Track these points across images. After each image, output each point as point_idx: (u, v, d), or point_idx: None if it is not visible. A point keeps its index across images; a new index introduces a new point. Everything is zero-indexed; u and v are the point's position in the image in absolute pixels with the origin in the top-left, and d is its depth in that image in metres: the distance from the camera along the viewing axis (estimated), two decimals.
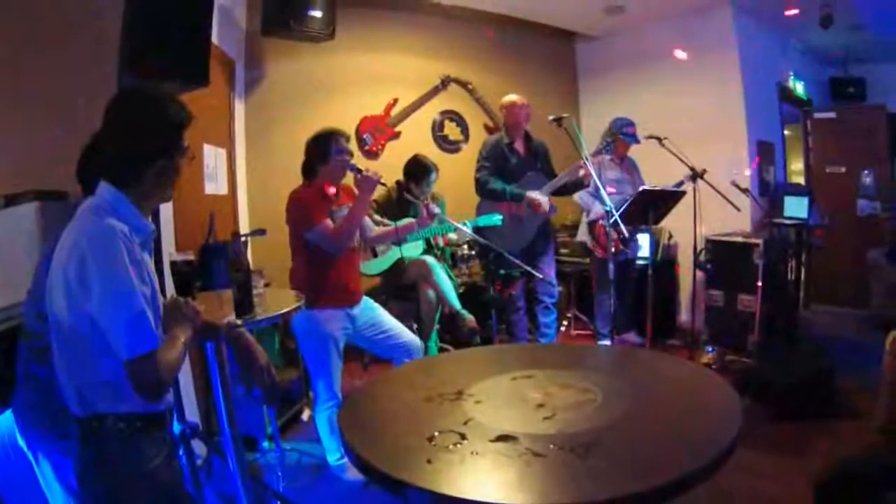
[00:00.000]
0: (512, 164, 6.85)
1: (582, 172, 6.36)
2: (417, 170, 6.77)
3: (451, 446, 2.22)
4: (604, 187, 6.04)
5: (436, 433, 2.33)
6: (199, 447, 4.43)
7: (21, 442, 2.91)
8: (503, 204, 6.70)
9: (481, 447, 2.20)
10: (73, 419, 2.27)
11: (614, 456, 2.14)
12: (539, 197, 6.67)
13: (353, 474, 4.84)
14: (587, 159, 6.02)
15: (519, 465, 2.08)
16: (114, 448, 2.22)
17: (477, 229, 6.22)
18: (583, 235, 7.68)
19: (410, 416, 2.60)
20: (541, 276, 6.35)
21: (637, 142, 7.31)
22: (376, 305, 5.08)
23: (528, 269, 5.59)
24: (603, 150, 6.91)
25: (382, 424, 2.59)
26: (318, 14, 6.79)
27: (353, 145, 7.35)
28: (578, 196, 7.40)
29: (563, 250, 8.64)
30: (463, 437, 2.28)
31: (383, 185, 4.63)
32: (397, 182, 6.82)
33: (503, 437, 2.25)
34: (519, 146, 6.98)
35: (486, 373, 3.01)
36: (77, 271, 2.10)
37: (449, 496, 1.92)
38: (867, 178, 9.87)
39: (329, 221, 4.59)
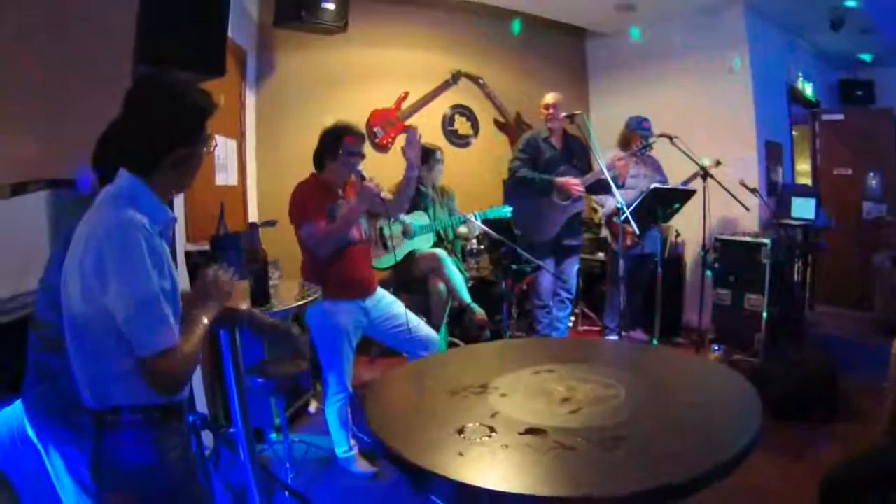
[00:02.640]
0: (546, 156, 6.88)
1: (615, 171, 6.35)
2: (423, 153, 6.76)
3: (480, 439, 2.25)
4: (618, 184, 6.05)
5: (465, 426, 2.35)
6: (206, 438, 4.43)
7: (31, 433, 2.88)
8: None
9: (511, 440, 2.23)
10: (86, 412, 2.23)
11: (642, 450, 2.19)
12: (569, 179, 6.66)
13: (361, 466, 4.89)
14: (602, 161, 6.05)
15: (550, 458, 2.11)
16: (130, 441, 2.17)
17: (493, 224, 6.21)
18: (604, 230, 7.71)
19: (437, 410, 2.63)
20: (551, 272, 6.37)
21: (651, 134, 7.30)
22: (393, 298, 5.09)
23: (540, 263, 5.60)
24: (639, 150, 6.90)
25: (410, 417, 2.60)
26: (331, 6, 6.78)
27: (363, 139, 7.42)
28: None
29: None
30: (492, 430, 2.31)
31: (382, 200, 4.61)
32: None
33: (532, 431, 2.29)
34: (556, 141, 7.00)
35: (507, 367, 3.05)
36: (94, 263, 2.06)
37: (486, 489, 1.95)
38: (873, 181, 9.88)
39: (321, 222, 4.57)
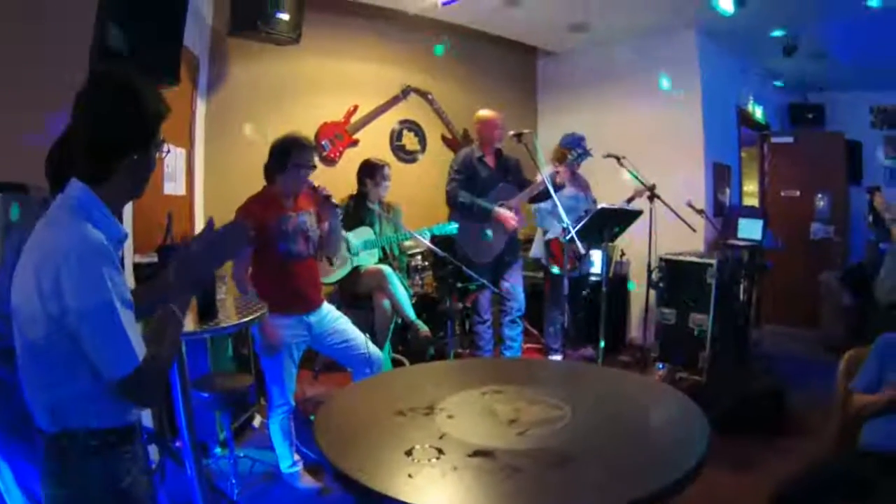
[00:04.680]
0: (482, 176, 6.89)
1: (557, 179, 6.36)
2: (370, 168, 6.79)
3: (429, 461, 2.27)
4: (560, 205, 6.08)
5: (413, 448, 2.36)
6: (151, 451, 4.39)
7: None
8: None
9: (460, 462, 2.25)
10: (39, 434, 2.13)
11: (591, 471, 2.23)
12: (506, 213, 6.69)
13: (306, 482, 4.87)
14: (546, 176, 6.06)
15: (499, 479, 2.14)
16: (86, 466, 2.09)
17: (438, 240, 6.20)
18: (537, 251, 7.73)
19: (385, 430, 2.62)
20: (496, 290, 6.40)
21: (590, 155, 7.32)
22: (339, 314, 5.09)
23: (485, 282, 5.61)
24: (574, 161, 6.88)
25: (358, 438, 2.58)
26: (285, 17, 6.72)
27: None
28: (537, 213, 7.49)
29: None
30: (440, 451, 2.33)
31: (336, 206, 4.72)
32: (351, 196, 6.85)
33: (480, 452, 2.31)
34: (489, 159, 7.00)
35: (454, 387, 3.07)
36: (52, 285, 1.95)
37: None
38: (821, 202, 10.04)
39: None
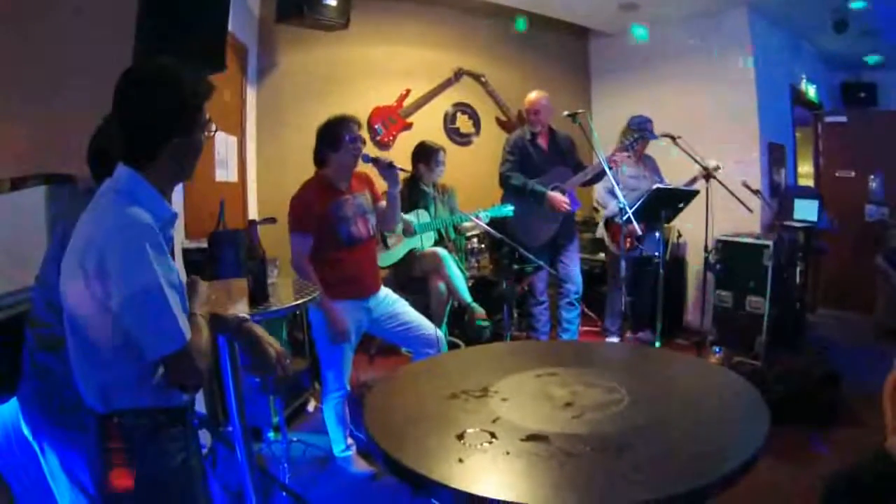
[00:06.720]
0: (535, 158, 6.85)
1: (617, 159, 6.32)
2: (425, 151, 6.73)
3: (481, 445, 2.20)
4: (619, 185, 6.02)
5: (465, 431, 2.30)
6: (203, 437, 4.39)
7: (26, 431, 2.84)
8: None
9: (512, 447, 2.19)
10: (90, 415, 2.14)
11: (648, 458, 2.13)
12: (560, 197, 6.63)
13: (359, 466, 4.87)
14: (603, 158, 6.01)
15: (553, 465, 2.06)
16: (136, 446, 2.10)
17: (494, 222, 6.17)
18: (601, 231, 7.67)
19: (437, 414, 2.57)
20: (553, 271, 6.33)
21: (655, 137, 7.24)
22: (396, 297, 5.07)
23: (541, 263, 5.56)
24: (630, 145, 6.79)
25: (409, 422, 2.53)
26: (332, 3, 6.75)
27: (364, 135, 7.38)
28: (598, 193, 7.46)
29: None
30: (493, 435, 2.27)
31: (402, 170, 4.67)
32: (405, 179, 6.75)
33: (534, 437, 2.24)
34: (542, 141, 6.97)
35: (509, 370, 3.00)
36: (96, 267, 1.96)
37: (486, 497, 1.90)
38: (874, 183, 9.84)
39: (308, 238, 4.56)
